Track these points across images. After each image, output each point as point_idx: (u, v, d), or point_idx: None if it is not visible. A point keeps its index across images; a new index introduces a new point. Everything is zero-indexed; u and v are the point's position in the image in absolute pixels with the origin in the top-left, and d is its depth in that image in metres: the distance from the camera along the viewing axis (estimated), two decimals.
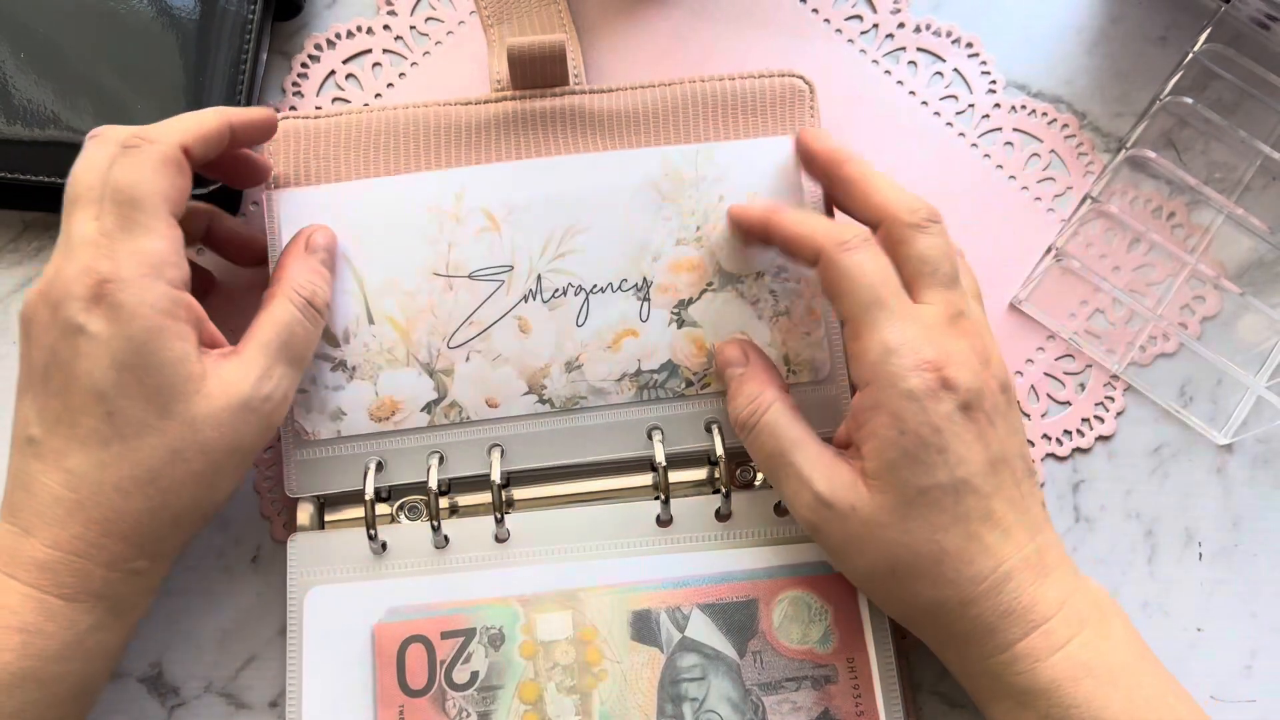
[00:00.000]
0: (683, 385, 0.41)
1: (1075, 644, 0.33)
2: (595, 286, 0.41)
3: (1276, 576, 0.42)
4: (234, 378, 0.35)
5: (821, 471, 0.35)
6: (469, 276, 0.40)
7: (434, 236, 0.40)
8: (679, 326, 0.41)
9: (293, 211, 0.41)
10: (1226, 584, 0.42)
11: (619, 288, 0.41)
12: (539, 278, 0.41)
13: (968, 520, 0.33)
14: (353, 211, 0.41)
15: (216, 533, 0.42)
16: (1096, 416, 0.44)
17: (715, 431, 0.40)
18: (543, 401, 0.40)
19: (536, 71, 0.41)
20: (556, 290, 0.41)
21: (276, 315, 0.36)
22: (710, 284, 0.41)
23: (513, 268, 0.41)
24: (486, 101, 0.42)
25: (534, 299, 0.41)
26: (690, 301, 0.41)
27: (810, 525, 0.35)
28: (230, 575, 0.41)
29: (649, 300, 0.41)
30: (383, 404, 0.40)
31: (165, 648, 0.40)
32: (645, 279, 0.41)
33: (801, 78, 0.42)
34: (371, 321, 0.40)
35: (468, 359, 0.40)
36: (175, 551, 0.36)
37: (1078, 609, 0.34)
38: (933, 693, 0.41)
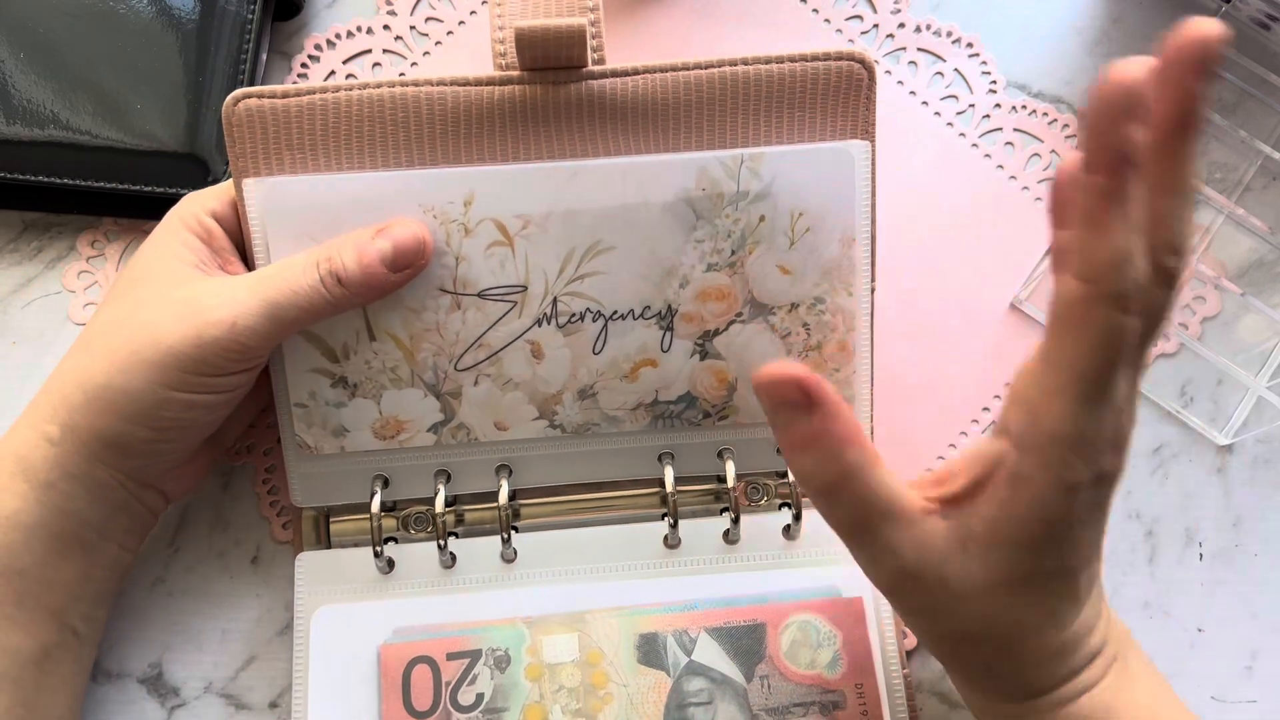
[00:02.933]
0: (700, 416, 0.39)
1: (1102, 685, 0.32)
2: (615, 313, 0.38)
3: (1277, 576, 0.42)
4: (204, 286, 0.35)
5: (912, 540, 0.30)
6: (478, 295, 0.37)
7: (440, 248, 0.37)
8: (701, 359, 0.38)
9: (274, 204, 0.36)
10: (1227, 584, 0.42)
11: (640, 315, 0.38)
12: (555, 301, 0.37)
13: (1053, 597, 0.31)
14: (347, 210, 0.36)
15: (216, 533, 0.42)
16: None
17: (728, 459, 0.40)
18: (554, 427, 0.39)
19: (550, 54, 0.35)
20: (573, 315, 0.38)
21: (288, 267, 0.35)
22: (739, 315, 0.38)
23: (526, 288, 0.37)
24: (490, 83, 0.36)
25: (548, 323, 0.38)
26: (716, 333, 0.38)
27: (888, 591, 0.31)
28: (230, 575, 0.41)
29: (672, 330, 0.38)
30: (387, 423, 0.39)
31: (165, 648, 0.40)
32: (670, 307, 0.38)
33: (861, 61, 0.36)
34: (373, 338, 0.37)
35: (476, 382, 0.38)
36: (84, 445, 0.34)
37: (1110, 648, 0.32)
38: (933, 693, 0.41)
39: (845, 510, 0.30)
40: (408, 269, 0.36)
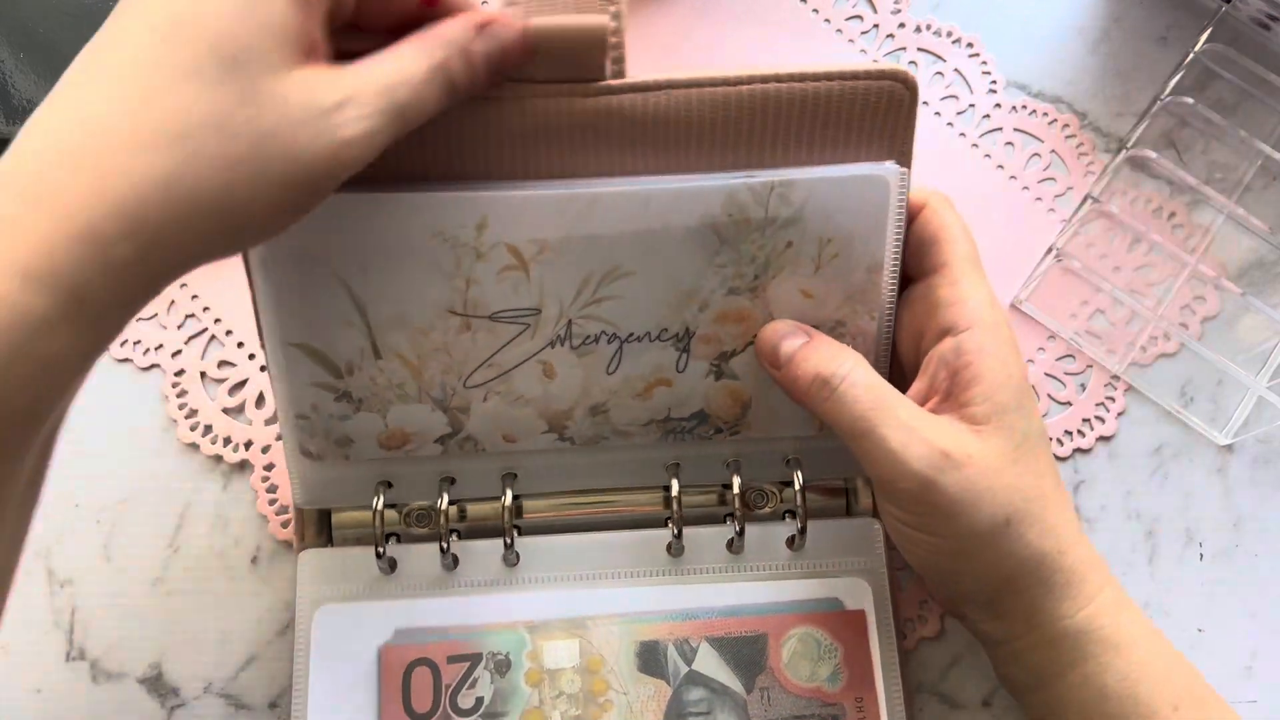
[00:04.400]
0: (711, 432, 0.39)
1: (1131, 603, 0.35)
2: (631, 335, 0.36)
3: (1277, 576, 0.42)
4: (321, 83, 0.28)
5: (929, 422, 0.34)
6: (489, 318, 0.36)
7: (450, 271, 0.35)
8: (717, 379, 0.38)
9: None
10: (1227, 584, 0.42)
11: (657, 337, 0.37)
12: (569, 323, 0.36)
13: (1054, 467, 0.35)
14: (352, 228, 0.34)
15: (216, 533, 0.42)
16: (1097, 417, 0.44)
17: (735, 471, 0.39)
18: (563, 440, 0.39)
19: (567, 63, 0.32)
20: (588, 338, 0.36)
21: (403, 63, 0.29)
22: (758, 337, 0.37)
23: (540, 311, 0.36)
24: (498, 98, 0.33)
25: (562, 345, 0.36)
26: (733, 354, 0.37)
27: (923, 482, 0.33)
28: (230, 575, 0.41)
29: (688, 351, 0.37)
30: (393, 435, 0.38)
31: (165, 648, 0.40)
32: (687, 329, 0.36)
33: (904, 81, 0.33)
34: (379, 356, 0.36)
35: (485, 399, 0.37)
36: (161, 275, 0.26)
37: (1102, 572, 0.35)
38: (933, 693, 0.41)
39: (861, 393, 0.34)
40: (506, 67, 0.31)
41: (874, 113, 0.34)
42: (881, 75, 0.33)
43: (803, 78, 0.33)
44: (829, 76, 0.33)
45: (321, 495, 0.39)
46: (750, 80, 0.33)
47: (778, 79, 0.33)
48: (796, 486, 0.39)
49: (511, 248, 0.34)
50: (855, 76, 0.33)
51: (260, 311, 0.35)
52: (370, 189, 0.33)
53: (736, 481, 0.39)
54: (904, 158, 0.35)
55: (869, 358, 0.37)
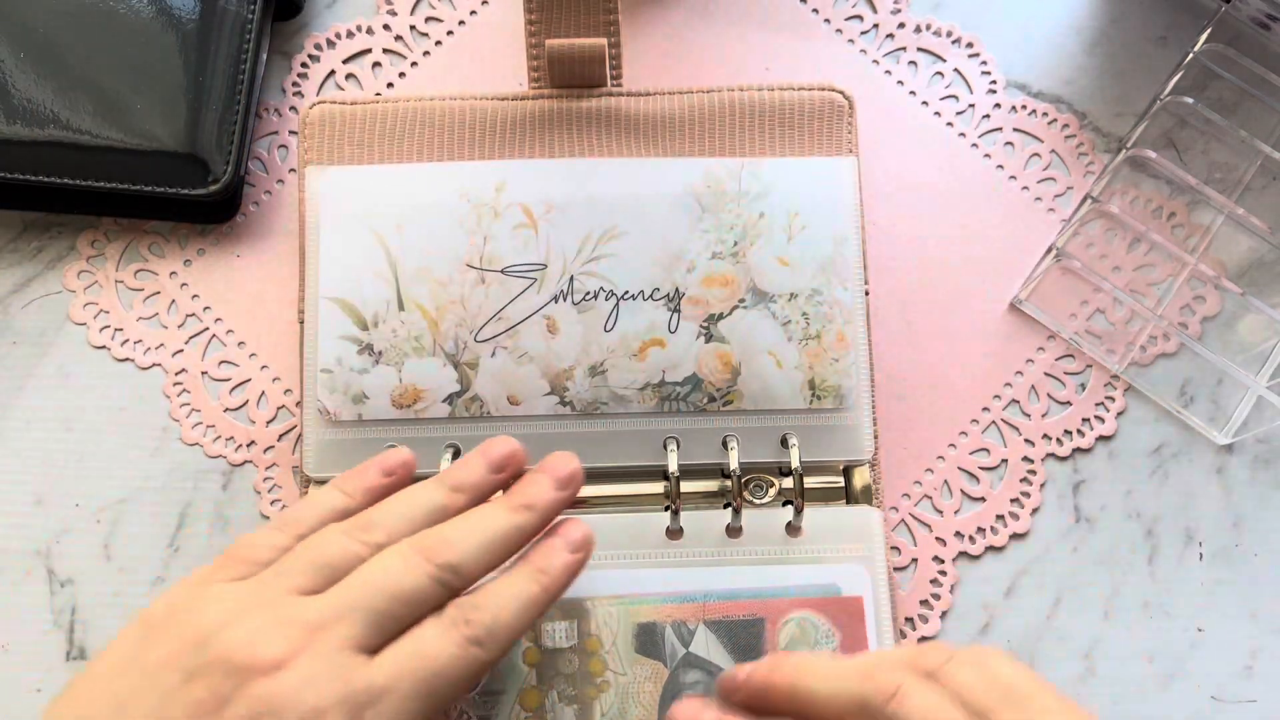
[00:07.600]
0: (705, 400, 0.40)
1: None
2: (626, 293, 0.41)
3: (1277, 576, 0.42)
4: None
5: None
6: (502, 271, 0.41)
7: (471, 228, 0.41)
8: (706, 341, 0.40)
9: (330, 187, 0.41)
10: (1227, 584, 0.42)
11: (650, 296, 0.41)
12: (571, 279, 0.41)
13: None
14: (391, 193, 0.41)
15: (216, 533, 0.42)
16: (1097, 416, 0.44)
17: (732, 447, 0.40)
18: (564, 404, 0.40)
19: (576, 71, 0.42)
20: (587, 294, 0.41)
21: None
22: (742, 301, 0.41)
23: (546, 266, 0.41)
24: (524, 98, 0.42)
25: (564, 300, 0.41)
26: (721, 317, 0.41)
27: None
28: None
29: (679, 312, 0.41)
30: (405, 391, 0.40)
31: None
32: (677, 290, 0.41)
33: (841, 93, 0.43)
34: (402, 308, 0.40)
35: (493, 354, 0.40)
36: None
37: None
38: None
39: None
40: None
41: (821, 116, 0.43)
42: (823, 88, 0.43)
43: (760, 88, 0.43)
44: (783, 87, 0.43)
45: (332, 462, 0.40)
46: (721, 89, 0.43)
47: (741, 89, 0.43)
48: (793, 464, 0.39)
49: (524, 206, 0.41)
50: (802, 88, 0.43)
51: (306, 268, 0.41)
52: (409, 162, 0.42)
53: (734, 455, 0.40)
54: (851, 152, 0.43)
55: (848, 326, 0.40)
